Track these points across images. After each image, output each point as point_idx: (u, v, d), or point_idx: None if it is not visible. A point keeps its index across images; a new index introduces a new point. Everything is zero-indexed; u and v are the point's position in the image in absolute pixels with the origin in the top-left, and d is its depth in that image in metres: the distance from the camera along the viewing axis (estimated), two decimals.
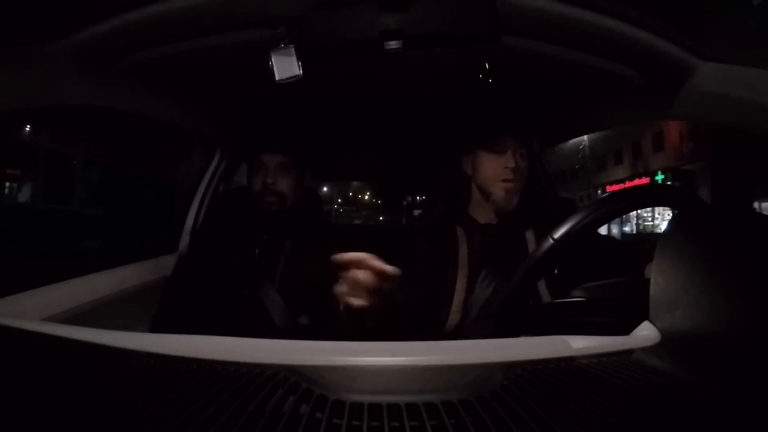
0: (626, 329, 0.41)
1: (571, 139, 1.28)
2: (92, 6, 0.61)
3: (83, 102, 0.73)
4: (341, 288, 0.54)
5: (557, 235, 0.52)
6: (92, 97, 0.75)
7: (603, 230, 0.93)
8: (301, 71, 0.63)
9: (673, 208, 0.55)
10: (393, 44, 0.63)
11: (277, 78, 0.64)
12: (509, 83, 0.92)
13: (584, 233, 0.51)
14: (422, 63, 0.87)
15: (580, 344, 0.38)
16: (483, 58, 0.83)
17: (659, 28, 0.63)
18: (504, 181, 0.87)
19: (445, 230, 0.92)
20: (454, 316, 0.86)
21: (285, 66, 0.64)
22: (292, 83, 0.65)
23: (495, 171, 0.88)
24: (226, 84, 0.98)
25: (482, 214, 0.93)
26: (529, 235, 0.90)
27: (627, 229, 16.45)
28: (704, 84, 0.67)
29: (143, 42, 0.70)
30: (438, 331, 0.86)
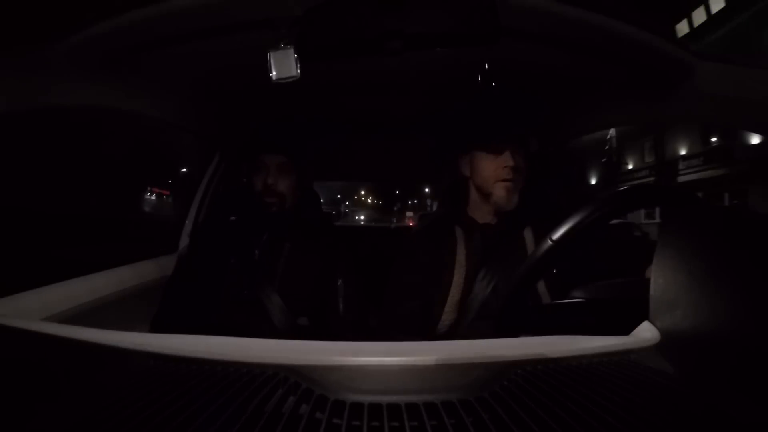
0: (626, 329, 0.41)
1: (571, 139, 1.28)
2: (92, 6, 0.61)
3: (83, 102, 0.73)
4: None
5: (556, 236, 0.52)
6: (92, 97, 0.75)
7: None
8: (298, 72, 0.63)
9: (672, 208, 0.55)
10: (393, 44, 0.63)
11: (274, 78, 0.63)
12: (509, 83, 0.92)
13: (583, 234, 0.51)
14: (422, 63, 0.87)
15: (580, 344, 0.38)
16: (483, 58, 0.83)
17: (659, 28, 0.63)
18: (504, 180, 0.86)
19: (444, 231, 0.92)
20: (447, 316, 0.85)
21: (283, 66, 0.64)
22: (293, 83, 0.65)
23: (494, 171, 0.87)
24: (226, 84, 0.98)
25: (481, 215, 0.93)
26: (528, 234, 0.90)
27: None
28: (704, 84, 0.67)
29: (143, 42, 0.70)
30: (431, 331, 0.86)
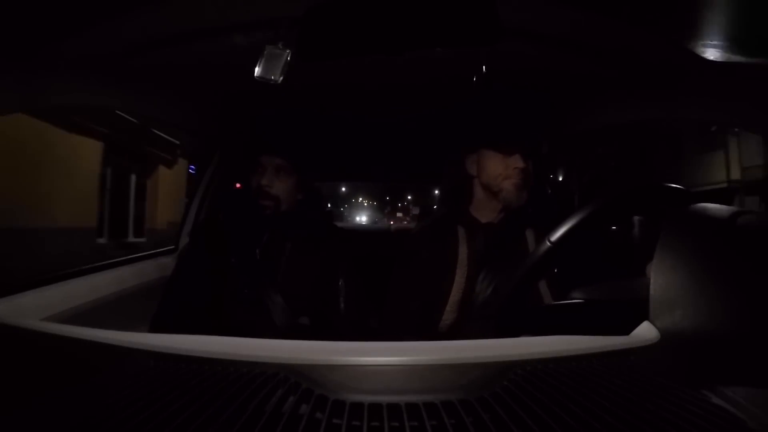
0: (626, 329, 0.40)
1: (570, 139, 1.28)
2: (93, 7, 0.61)
3: (83, 102, 0.73)
4: None
5: (554, 237, 0.52)
6: (92, 97, 0.75)
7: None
8: (280, 77, 0.63)
9: (673, 209, 0.55)
10: (393, 44, 0.63)
11: (255, 74, 0.63)
12: (509, 83, 0.92)
13: (582, 235, 0.51)
14: (423, 64, 0.87)
15: (580, 344, 0.38)
16: (483, 58, 0.83)
17: (659, 28, 0.63)
18: (512, 177, 0.86)
19: (446, 230, 0.92)
20: (449, 316, 0.85)
21: (269, 66, 0.63)
22: (292, 84, 0.65)
23: (504, 171, 0.86)
24: (226, 84, 0.98)
25: (484, 214, 0.92)
26: (529, 234, 0.90)
27: None
28: (704, 84, 0.67)
29: (144, 43, 0.70)
30: (432, 331, 0.86)
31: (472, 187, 0.94)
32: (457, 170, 0.96)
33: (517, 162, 0.85)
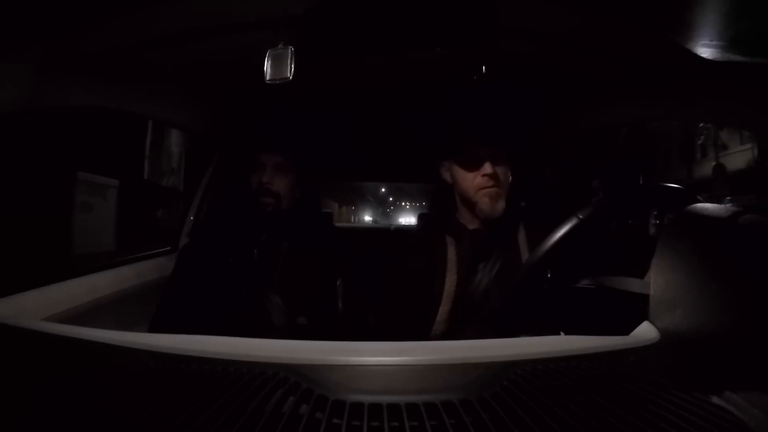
0: (626, 329, 0.41)
1: (571, 139, 1.28)
2: (92, 6, 0.61)
3: (83, 102, 0.73)
4: None
5: (583, 214, 0.53)
6: (92, 97, 0.75)
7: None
8: (291, 74, 0.63)
9: (673, 209, 0.55)
10: (393, 44, 0.63)
11: (267, 78, 0.63)
12: (509, 83, 0.92)
13: (610, 218, 0.52)
14: (422, 63, 0.87)
15: (580, 344, 0.38)
16: (482, 58, 0.83)
17: (659, 28, 0.63)
18: (485, 188, 0.83)
19: (435, 237, 0.90)
20: (439, 326, 0.83)
21: (278, 67, 0.63)
22: (293, 84, 0.65)
23: (473, 180, 0.84)
24: (226, 84, 0.98)
25: (470, 220, 0.90)
26: (521, 239, 0.88)
27: None
28: (704, 84, 0.67)
29: (143, 42, 0.70)
30: (424, 338, 0.84)
31: (454, 195, 0.92)
32: (438, 178, 0.94)
33: (485, 168, 0.82)
